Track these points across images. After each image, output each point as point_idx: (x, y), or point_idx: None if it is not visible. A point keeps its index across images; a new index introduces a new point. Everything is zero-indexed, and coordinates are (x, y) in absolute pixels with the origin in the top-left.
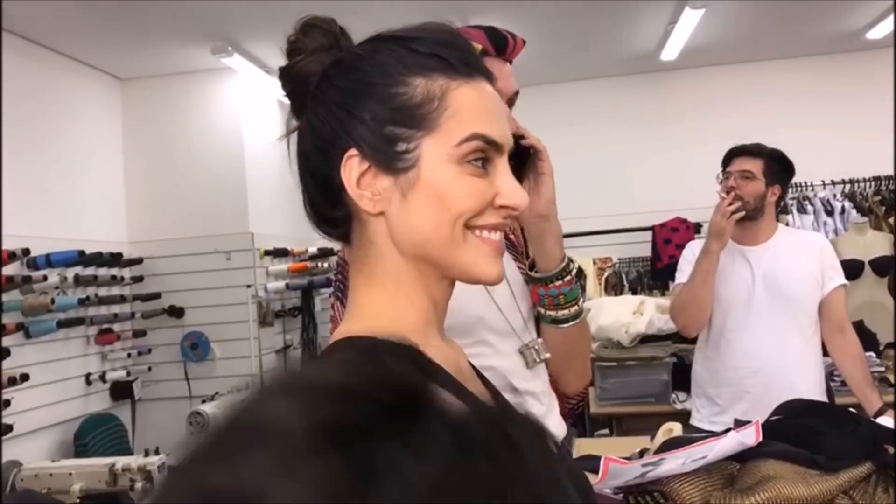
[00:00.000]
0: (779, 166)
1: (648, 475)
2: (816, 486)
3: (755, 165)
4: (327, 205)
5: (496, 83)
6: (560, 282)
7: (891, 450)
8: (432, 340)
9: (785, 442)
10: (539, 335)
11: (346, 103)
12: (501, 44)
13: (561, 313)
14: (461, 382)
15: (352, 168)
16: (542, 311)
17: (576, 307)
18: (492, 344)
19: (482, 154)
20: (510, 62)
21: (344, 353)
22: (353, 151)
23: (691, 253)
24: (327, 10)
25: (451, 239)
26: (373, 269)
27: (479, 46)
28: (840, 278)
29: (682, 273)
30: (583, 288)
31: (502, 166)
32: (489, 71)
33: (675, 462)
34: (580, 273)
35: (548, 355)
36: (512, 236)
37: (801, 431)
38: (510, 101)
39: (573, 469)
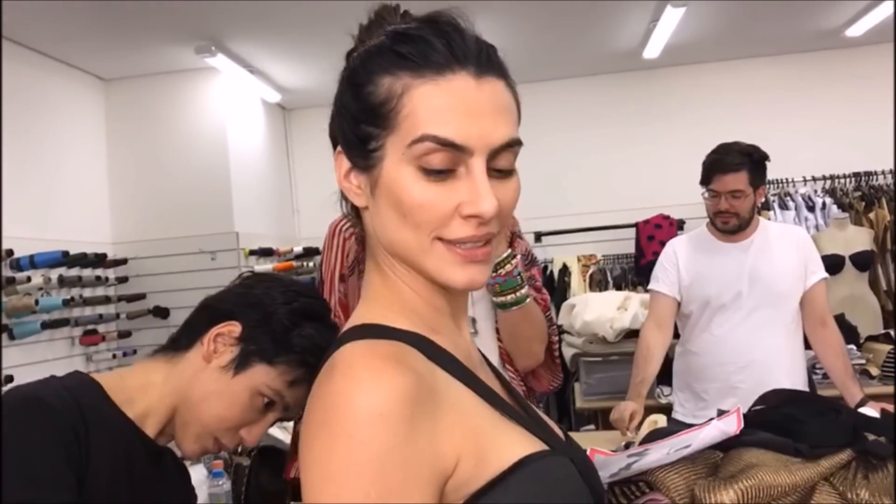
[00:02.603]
0: (758, 167)
1: (634, 466)
2: (798, 473)
3: (741, 181)
4: (343, 195)
5: None
6: (495, 274)
7: (870, 437)
8: (444, 329)
9: (767, 431)
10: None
11: (340, 101)
12: None
13: (499, 299)
14: (471, 370)
15: (341, 163)
16: (491, 295)
17: (513, 296)
18: None
19: (443, 157)
20: None
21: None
22: (340, 148)
23: (668, 257)
24: (312, 9)
25: (416, 245)
26: (376, 256)
27: None
28: (821, 272)
29: (658, 280)
30: (567, 284)
31: (475, 168)
32: (486, 65)
33: (660, 452)
34: (565, 270)
35: (476, 331)
36: None
37: (783, 420)
38: None
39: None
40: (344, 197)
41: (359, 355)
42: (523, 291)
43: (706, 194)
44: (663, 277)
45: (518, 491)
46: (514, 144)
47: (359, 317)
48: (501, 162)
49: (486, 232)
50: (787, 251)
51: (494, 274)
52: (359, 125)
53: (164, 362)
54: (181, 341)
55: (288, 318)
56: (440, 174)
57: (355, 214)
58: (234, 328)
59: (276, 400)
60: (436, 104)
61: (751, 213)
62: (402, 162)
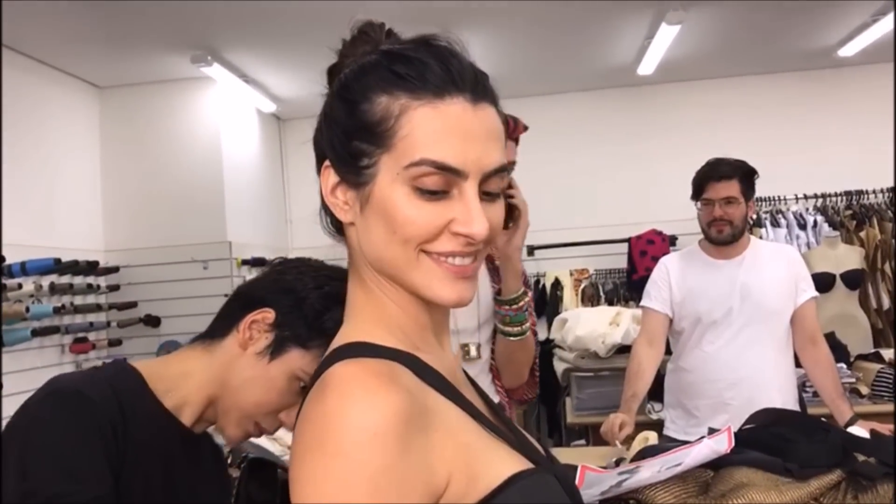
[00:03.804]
0: (749, 180)
1: (625, 484)
2: (788, 493)
3: (734, 189)
4: (325, 209)
5: None
6: (508, 307)
7: (860, 458)
8: (430, 347)
9: (758, 450)
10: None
11: (329, 116)
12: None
13: (506, 329)
14: (457, 388)
15: (328, 178)
16: (498, 322)
17: (519, 328)
18: None
19: (438, 180)
20: (513, 140)
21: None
22: (328, 162)
23: (660, 274)
24: (309, 21)
25: (403, 259)
26: (360, 273)
27: None
28: (811, 290)
29: (649, 297)
30: (560, 299)
31: (467, 191)
32: (480, 91)
33: (651, 470)
34: (557, 285)
35: (479, 356)
36: (497, 262)
37: (773, 440)
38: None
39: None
40: (326, 212)
41: (351, 374)
42: (527, 325)
43: (699, 205)
44: (655, 294)
45: None
46: (504, 170)
47: (345, 335)
48: (491, 186)
49: (471, 250)
50: (777, 269)
51: (507, 307)
52: (351, 141)
53: (201, 351)
54: (217, 330)
55: (320, 302)
56: (434, 195)
57: (336, 230)
58: (269, 315)
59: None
60: (433, 127)
61: (743, 224)
62: (396, 181)
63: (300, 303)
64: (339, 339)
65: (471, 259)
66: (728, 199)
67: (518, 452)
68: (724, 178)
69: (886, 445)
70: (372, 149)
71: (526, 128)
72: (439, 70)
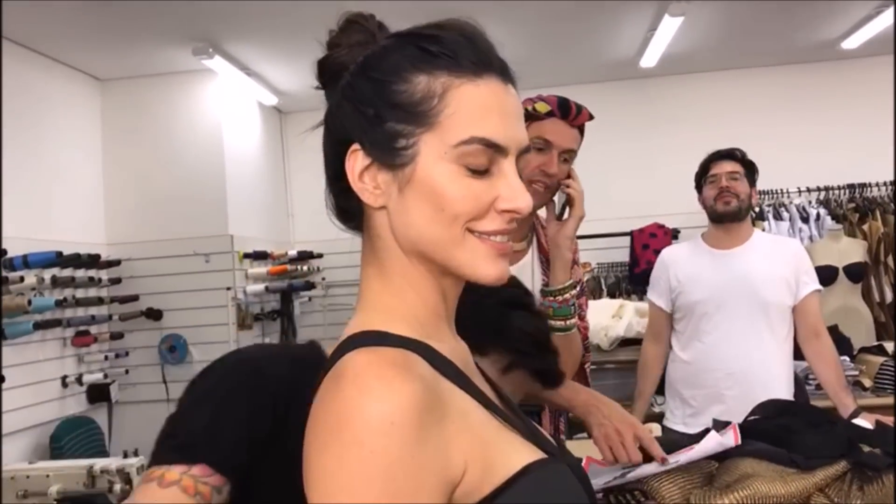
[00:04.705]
0: (749, 165)
1: (629, 476)
2: (793, 484)
3: (738, 167)
4: (340, 196)
5: (553, 138)
6: (553, 298)
7: (866, 449)
8: (442, 335)
9: (762, 441)
10: None
11: (356, 99)
12: (565, 110)
13: (550, 322)
14: (469, 378)
15: (355, 161)
16: None
17: (562, 323)
18: None
19: (483, 156)
20: (577, 128)
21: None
22: (356, 146)
23: (660, 266)
24: (311, 11)
25: (448, 238)
26: (381, 261)
27: (547, 107)
28: (814, 284)
29: (652, 290)
30: None
31: (507, 168)
32: (507, 71)
33: (655, 463)
34: None
35: None
36: (549, 254)
37: (778, 431)
38: (563, 156)
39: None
40: (336, 200)
41: (366, 363)
42: (573, 321)
43: (705, 183)
44: (655, 287)
45: (523, 498)
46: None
47: (359, 324)
48: (520, 164)
49: (513, 227)
50: (779, 261)
51: (552, 298)
52: (385, 123)
53: None
54: None
55: (496, 308)
56: (479, 173)
57: (346, 219)
58: None
59: None
60: (477, 105)
61: (748, 204)
62: (442, 159)
63: (477, 309)
64: (353, 328)
65: (508, 238)
66: (733, 173)
67: (530, 443)
68: (728, 157)
69: (891, 436)
70: (411, 129)
71: (591, 116)
72: (471, 50)
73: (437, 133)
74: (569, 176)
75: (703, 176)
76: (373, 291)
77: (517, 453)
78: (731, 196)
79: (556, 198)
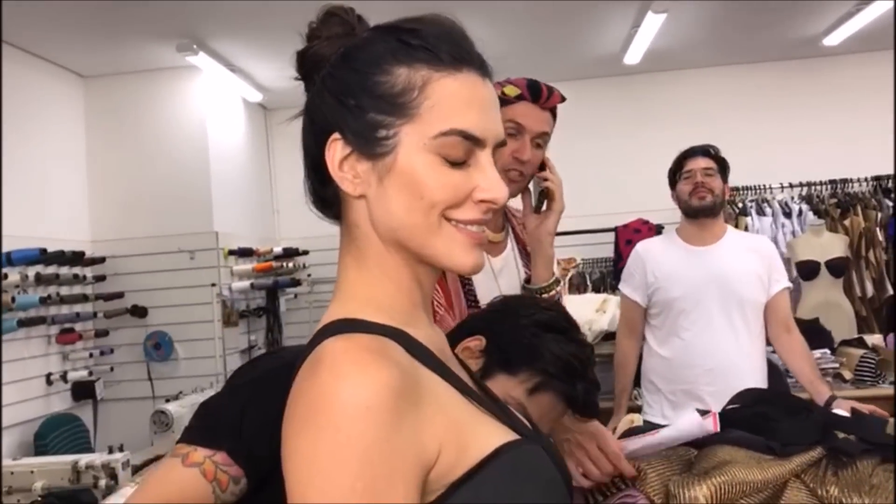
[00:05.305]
0: (723, 168)
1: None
2: (770, 470)
3: (712, 164)
4: (319, 185)
5: (525, 122)
6: (538, 297)
7: (840, 436)
8: (418, 322)
9: (741, 429)
10: None
11: (337, 89)
12: (536, 93)
13: None
14: (445, 363)
15: (335, 151)
16: None
17: None
18: None
19: (464, 149)
20: (549, 111)
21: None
22: (337, 135)
23: (635, 260)
24: (296, 7)
25: (425, 225)
26: (359, 250)
27: (517, 90)
28: (785, 281)
29: (625, 283)
30: None
31: (484, 159)
32: (485, 65)
33: (634, 445)
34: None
35: None
36: (529, 248)
37: (756, 419)
38: (536, 140)
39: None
40: (314, 189)
41: (343, 349)
42: None
43: (680, 179)
44: (629, 280)
45: (497, 479)
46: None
47: (335, 312)
48: (495, 156)
49: (489, 217)
50: (751, 258)
51: (538, 297)
52: (366, 114)
53: None
54: None
55: (530, 328)
56: (457, 164)
57: (324, 207)
58: (480, 342)
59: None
60: (457, 98)
61: (722, 201)
62: (422, 150)
63: (511, 330)
64: (330, 316)
65: (484, 227)
66: (707, 169)
67: (505, 426)
68: (702, 154)
69: (866, 423)
70: (392, 119)
71: (563, 98)
72: (450, 44)
73: (417, 125)
74: (544, 167)
75: (677, 171)
76: (349, 280)
77: (491, 435)
78: (705, 192)
79: (531, 188)
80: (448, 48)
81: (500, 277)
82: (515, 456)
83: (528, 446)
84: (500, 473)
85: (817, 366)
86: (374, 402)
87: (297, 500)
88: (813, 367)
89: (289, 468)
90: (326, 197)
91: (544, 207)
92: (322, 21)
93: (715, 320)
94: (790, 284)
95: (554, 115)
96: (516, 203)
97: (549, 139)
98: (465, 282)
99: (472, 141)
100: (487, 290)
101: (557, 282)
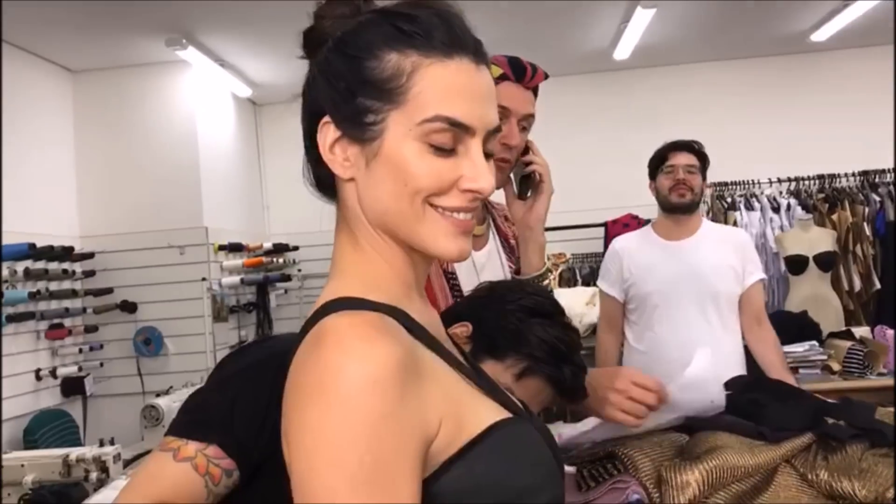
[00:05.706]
0: (703, 158)
1: (589, 434)
2: (761, 455)
3: (693, 160)
4: (315, 165)
5: (510, 104)
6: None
7: (830, 421)
8: (414, 303)
9: (732, 415)
10: None
11: (329, 73)
12: (519, 71)
13: None
14: (440, 342)
15: (326, 133)
16: None
17: None
18: None
19: (450, 136)
20: (531, 90)
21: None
22: (328, 118)
23: (611, 255)
24: (284, 4)
25: (411, 212)
26: (352, 230)
27: (499, 70)
28: (759, 273)
29: (603, 279)
30: None
31: (473, 148)
32: (480, 52)
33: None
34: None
35: None
36: (512, 241)
37: (747, 405)
38: (522, 123)
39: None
40: (313, 169)
41: (348, 325)
42: None
43: (660, 176)
44: (606, 276)
45: (490, 455)
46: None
47: (333, 290)
48: (488, 145)
49: (475, 206)
50: (726, 251)
51: (524, 281)
52: (356, 98)
53: None
54: None
55: (516, 314)
56: (443, 151)
57: (322, 187)
58: (466, 328)
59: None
60: (445, 85)
61: (699, 198)
62: (408, 137)
63: (497, 315)
64: (328, 295)
65: (471, 215)
66: (689, 166)
67: (498, 404)
68: (685, 149)
69: (855, 408)
70: (380, 105)
71: (546, 76)
72: (445, 30)
73: (405, 111)
74: (527, 150)
75: (659, 164)
76: (346, 259)
77: (486, 412)
78: (685, 189)
79: (511, 175)
80: (441, 35)
81: (482, 273)
82: (508, 433)
83: (520, 424)
84: (493, 450)
85: (786, 358)
86: (381, 377)
87: (304, 474)
88: (782, 360)
89: (293, 441)
90: (322, 177)
91: (529, 193)
92: (329, 2)
93: (690, 314)
94: (764, 276)
95: (535, 95)
96: (496, 196)
97: (533, 121)
98: (450, 277)
99: (459, 128)
100: (471, 287)
101: (549, 270)
